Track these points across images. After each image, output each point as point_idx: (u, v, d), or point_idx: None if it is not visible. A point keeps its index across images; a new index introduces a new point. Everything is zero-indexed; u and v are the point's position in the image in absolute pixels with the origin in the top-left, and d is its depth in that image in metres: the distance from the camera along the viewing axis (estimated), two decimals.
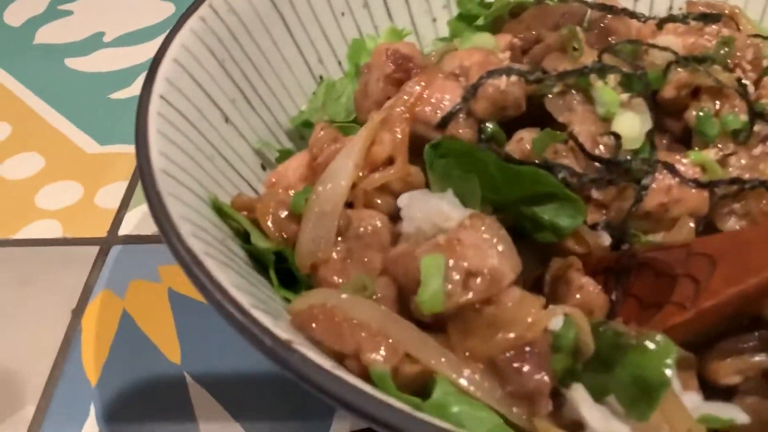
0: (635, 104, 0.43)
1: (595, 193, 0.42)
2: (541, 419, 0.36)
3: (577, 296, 0.41)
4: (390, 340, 0.36)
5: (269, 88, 0.52)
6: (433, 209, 0.40)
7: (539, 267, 0.43)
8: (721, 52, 0.45)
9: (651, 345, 0.35)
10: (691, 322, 0.39)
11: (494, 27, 0.57)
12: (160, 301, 0.59)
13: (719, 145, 0.44)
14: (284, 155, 0.50)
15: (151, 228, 0.65)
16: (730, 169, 0.43)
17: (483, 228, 0.38)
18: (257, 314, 0.31)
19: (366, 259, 0.42)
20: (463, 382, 0.36)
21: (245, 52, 0.51)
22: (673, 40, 0.46)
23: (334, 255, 0.42)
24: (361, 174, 0.42)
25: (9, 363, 0.56)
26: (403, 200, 0.42)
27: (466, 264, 0.37)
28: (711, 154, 0.42)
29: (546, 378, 0.35)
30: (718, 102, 0.45)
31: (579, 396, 0.36)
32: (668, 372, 0.34)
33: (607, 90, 0.43)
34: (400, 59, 0.47)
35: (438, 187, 0.42)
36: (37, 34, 0.90)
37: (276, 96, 0.53)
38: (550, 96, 0.44)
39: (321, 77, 0.57)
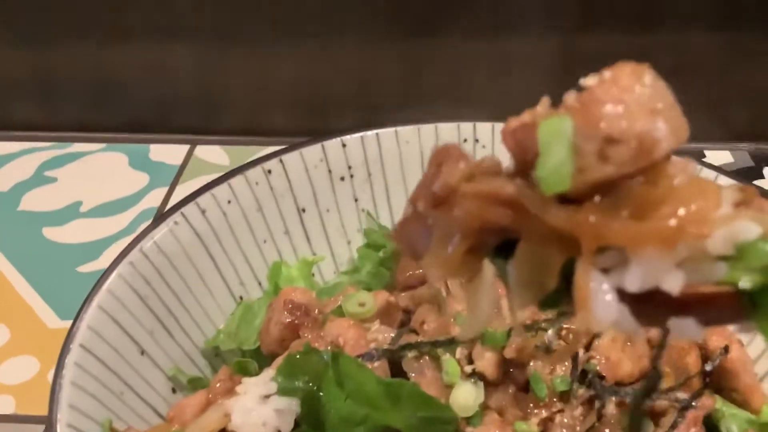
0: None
1: None
2: None
3: None
4: None
5: (189, 314, 0.61)
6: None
7: None
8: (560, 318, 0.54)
9: None
10: None
11: (395, 258, 0.67)
12: None
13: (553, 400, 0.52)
14: (193, 383, 0.59)
15: None
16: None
17: (630, 78, 0.30)
18: None
19: None
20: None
21: (169, 286, 0.60)
22: None
23: None
24: None
25: None
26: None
27: (603, 127, 0.29)
28: (533, 426, 0.50)
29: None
30: (553, 363, 0.53)
31: None
32: None
33: (451, 362, 0.51)
34: (296, 310, 0.57)
35: None
36: (23, 199, 1.00)
37: (195, 321, 0.62)
38: (407, 358, 0.53)
39: (241, 297, 0.66)
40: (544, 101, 0.32)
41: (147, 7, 1.02)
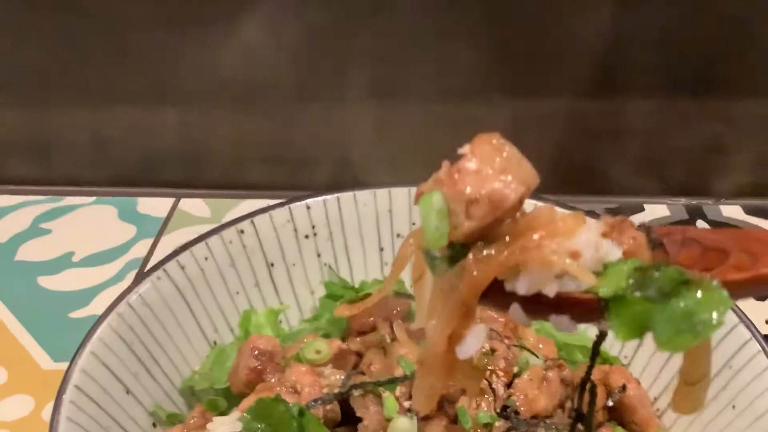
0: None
1: None
2: None
3: None
4: None
5: (169, 358, 0.70)
6: None
7: None
8: (485, 360, 0.64)
9: (714, 285, 0.35)
10: (746, 283, 0.39)
11: None
12: None
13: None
14: (171, 418, 0.67)
15: None
16: None
17: (482, 151, 0.39)
18: None
19: None
20: None
21: (151, 333, 0.69)
22: None
23: None
24: None
25: None
26: None
27: (467, 192, 0.38)
28: None
29: None
30: (478, 399, 0.62)
31: None
32: (718, 317, 0.34)
33: (390, 398, 0.60)
34: (261, 356, 0.66)
35: None
36: (19, 250, 1.09)
37: (174, 363, 0.71)
38: (354, 396, 0.62)
39: (215, 342, 0.75)
40: (445, 166, 0.40)
41: (134, 71, 1.12)
